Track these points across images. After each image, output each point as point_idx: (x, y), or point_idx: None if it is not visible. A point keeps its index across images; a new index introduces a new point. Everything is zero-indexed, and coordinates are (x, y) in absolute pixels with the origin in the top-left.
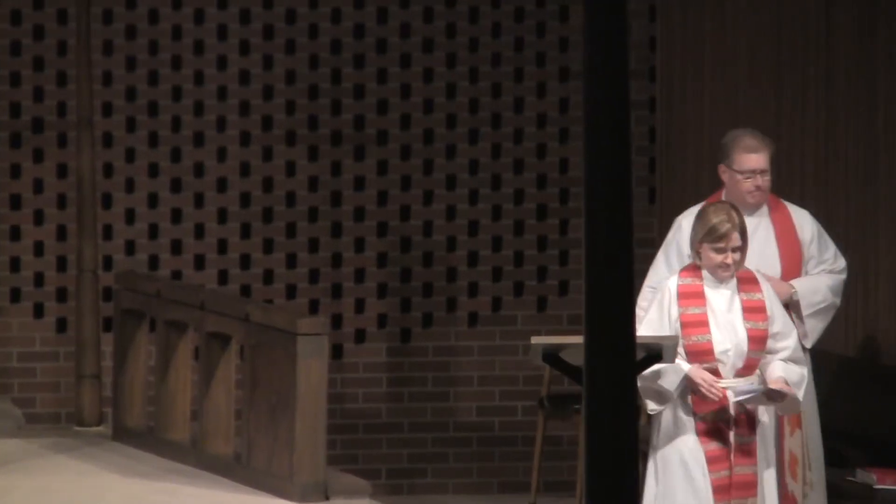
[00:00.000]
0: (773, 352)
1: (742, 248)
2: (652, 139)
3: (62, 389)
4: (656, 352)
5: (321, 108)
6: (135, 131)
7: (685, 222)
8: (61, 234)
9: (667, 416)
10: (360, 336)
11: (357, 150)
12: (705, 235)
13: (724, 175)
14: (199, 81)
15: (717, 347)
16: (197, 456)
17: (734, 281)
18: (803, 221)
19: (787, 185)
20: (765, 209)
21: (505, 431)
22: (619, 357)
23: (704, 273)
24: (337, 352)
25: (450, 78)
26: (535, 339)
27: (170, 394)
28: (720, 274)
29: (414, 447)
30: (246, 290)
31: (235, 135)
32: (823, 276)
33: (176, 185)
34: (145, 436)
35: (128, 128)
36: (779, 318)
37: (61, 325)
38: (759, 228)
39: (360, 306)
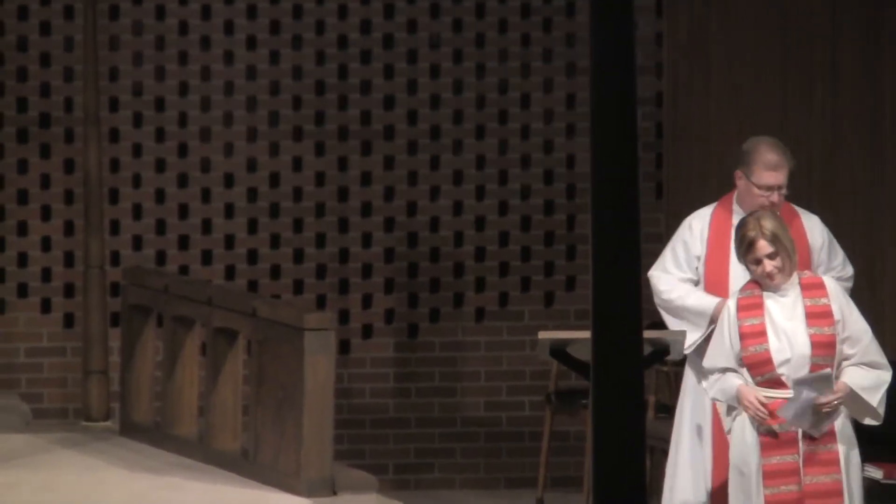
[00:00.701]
0: (846, 358)
1: (779, 254)
2: (659, 135)
3: (69, 385)
4: (663, 347)
5: (328, 104)
6: (141, 127)
7: (695, 223)
8: (68, 229)
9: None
10: (367, 331)
11: (364, 146)
12: (738, 250)
13: (740, 181)
14: (205, 77)
15: (777, 357)
16: (204, 451)
17: (797, 287)
18: (814, 228)
19: (792, 179)
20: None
21: (512, 427)
22: (627, 352)
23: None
24: (344, 347)
25: (457, 74)
26: (542, 335)
27: (177, 389)
28: (767, 283)
29: (421, 442)
30: (253, 286)
31: (242, 130)
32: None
33: (183, 181)
34: (152, 431)
35: (134, 123)
36: (850, 322)
37: (68, 321)
38: None
39: (367, 301)
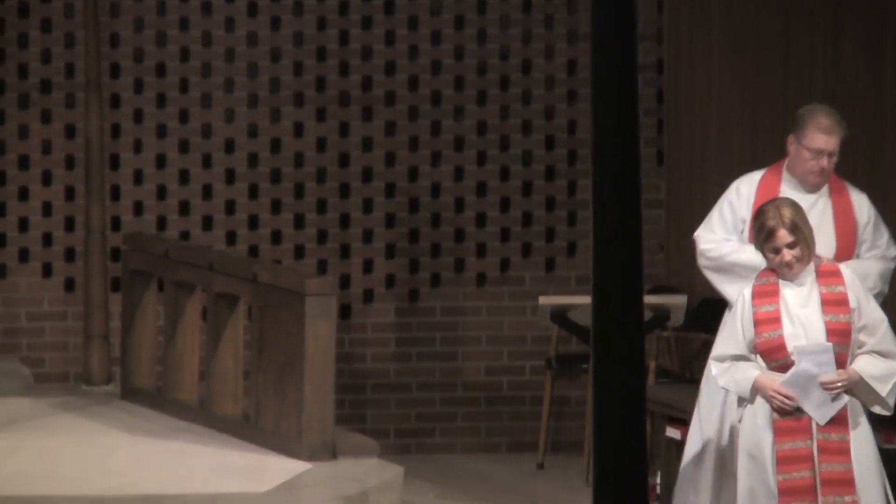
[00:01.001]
0: (860, 346)
1: (798, 243)
2: (660, 101)
3: (70, 349)
4: (664, 313)
5: (329, 70)
6: (142, 93)
7: (743, 186)
8: (69, 194)
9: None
10: (368, 296)
11: (365, 112)
12: (757, 236)
13: (791, 147)
14: (206, 43)
15: (791, 342)
16: (205, 416)
17: (812, 275)
18: (862, 204)
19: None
20: (825, 188)
21: (513, 391)
22: (627, 317)
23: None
24: (345, 312)
25: (458, 40)
26: (543, 300)
27: (178, 354)
28: (785, 273)
29: (422, 407)
30: (254, 251)
31: (243, 96)
32: (874, 261)
33: (184, 147)
34: (153, 396)
35: (135, 89)
36: (866, 312)
37: (69, 286)
38: (818, 206)
39: (368, 267)
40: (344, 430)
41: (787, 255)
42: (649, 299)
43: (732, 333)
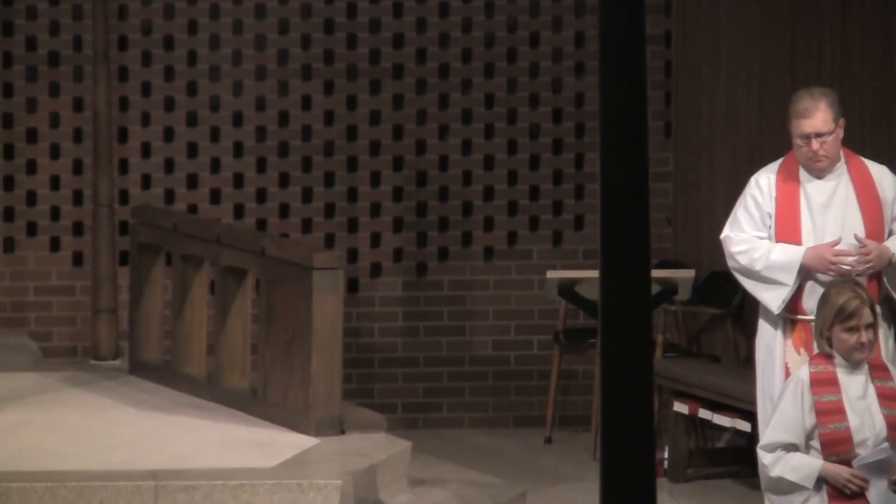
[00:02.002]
0: None
1: (874, 326)
2: (668, 73)
3: (78, 323)
4: (672, 286)
5: (337, 42)
6: (150, 65)
7: (762, 180)
8: (77, 168)
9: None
10: (375, 270)
11: (372, 85)
12: (835, 317)
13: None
14: (214, 15)
15: (857, 436)
16: (213, 390)
17: (866, 367)
18: (884, 178)
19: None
20: (842, 168)
21: (520, 366)
22: (635, 291)
23: (837, 359)
24: (352, 286)
25: (465, 12)
26: (550, 274)
27: (186, 328)
28: (856, 356)
29: (429, 381)
30: (262, 224)
31: (251, 69)
32: None
33: (192, 119)
34: (161, 370)
35: (143, 62)
36: None
37: (77, 259)
38: (839, 190)
39: (375, 240)
40: (351, 404)
41: (864, 336)
42: (657, 273)
43: (789, 420)
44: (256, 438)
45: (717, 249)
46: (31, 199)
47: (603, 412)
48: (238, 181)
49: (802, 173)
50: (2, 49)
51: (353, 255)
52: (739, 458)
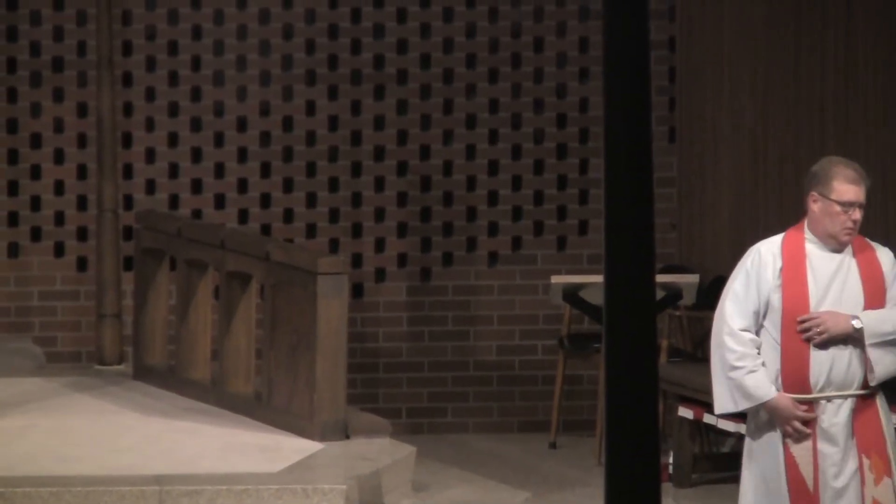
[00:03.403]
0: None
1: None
2: (672, 79)
3: (83, 328)
4: (676, 291)
5: (341, 48)
6: (155, 71)
7: (764, 248)
8: (82, 173)
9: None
10: (380, 275)
11: (377, 90)
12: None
13: (816, 204)
14: (218, 21)
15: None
16: (217, 395)
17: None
18: (887, 260)
19: (806, 121)
20: (849, 247)
21: (525, 370)
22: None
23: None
24: (357, 291)
25: (470, 17)
26: (555, 279)
27: (190, 333)
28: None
29: (434, 386)
30: (266, 229)
31: (255, 74)
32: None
33: (196, 124)
34: (166, 375)
35: (148, 67)
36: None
37: (82, 265)
38: (843, 266)
39: (380, 245)
40: (356, 409)
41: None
42: (661, 278)
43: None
44: (261, 443)
45: (722, 254)
46: (36, 204)
47: (607, 417)
48: (242, 186)
49: (809, 245)
50: (6, 54)
51: (357, 260)
52: None
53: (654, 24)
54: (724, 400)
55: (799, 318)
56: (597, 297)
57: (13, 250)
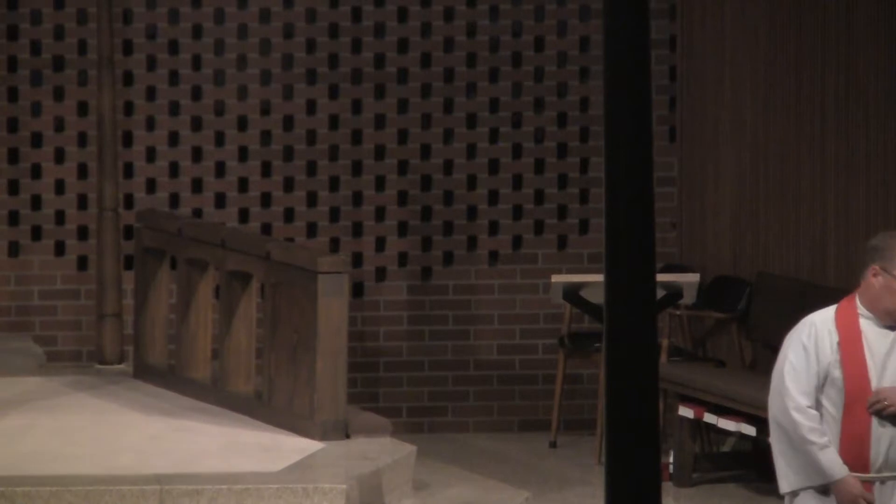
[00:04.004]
0: None
1: None
2: (672, 78)
3: (83, 328)
4: (676, 290)
5: (342, 47)
6: (155, 69)
7: (820, 323)
8: (82, 172)
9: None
10: (380, 274)
11: (377, 89)
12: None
13: (877, 279)
14: (219, 20)
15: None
16: (218, 394)
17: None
18: None
19: (807, 121)
20: None
21: (525, 370)
22: (640, 295)
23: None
24: (357, 290)
25: (470, 17)
26: (555, 278)
27: (191, 332)
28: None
29: (434, 385)
30: (266, 229)
31: (256, 73)
32: None
33: (196, 124)
34: (166, 374)
35: (148, 66)
36: None
37: (82, 264)
38: None
39: (380, 244)
40: (356, 408)
41: None
42: (662, 277)
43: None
44: (261, 442)
45: (722, 254)
46: (36, 203)
47: (608, 416)
48: (243, 185)
49: (863, 321)
50: (7, 53)
51: (357, 259)
52: (744, 463)
53: (654, 23)
54: (793, 476)
55: (870, 399)
56: (597, 297)
57: (14, 249)
